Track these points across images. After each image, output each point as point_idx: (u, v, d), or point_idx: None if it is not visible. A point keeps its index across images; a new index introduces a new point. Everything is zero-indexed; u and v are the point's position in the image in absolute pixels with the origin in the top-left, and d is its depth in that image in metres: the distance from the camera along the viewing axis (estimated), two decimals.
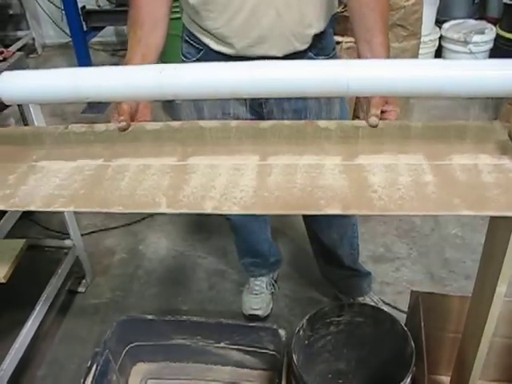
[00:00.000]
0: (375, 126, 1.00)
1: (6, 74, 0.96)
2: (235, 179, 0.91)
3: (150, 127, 1.07)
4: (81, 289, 2.19)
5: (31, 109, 1.67)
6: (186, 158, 0.98)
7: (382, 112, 1.07)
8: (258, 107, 1.41)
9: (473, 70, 0.84)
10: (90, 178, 0.96)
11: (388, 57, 1.19)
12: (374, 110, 1.04)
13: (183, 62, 1.43)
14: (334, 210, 0.83)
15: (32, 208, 0.91)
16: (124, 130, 1.03)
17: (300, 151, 0.97)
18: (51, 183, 0.95)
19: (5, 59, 1.60)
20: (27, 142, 1.08)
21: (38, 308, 1.81)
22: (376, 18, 1.18)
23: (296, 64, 0.89)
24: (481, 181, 0.87)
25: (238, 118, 1.42)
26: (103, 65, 0.99)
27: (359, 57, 1.23)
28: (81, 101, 0.94)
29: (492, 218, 1.03)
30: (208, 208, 0.86)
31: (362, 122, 1.03)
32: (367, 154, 0.96)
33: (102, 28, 4.01)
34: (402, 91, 0.86)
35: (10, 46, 4.05)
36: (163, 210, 0.87)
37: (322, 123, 1.03)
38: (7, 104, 1.01)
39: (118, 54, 4.58)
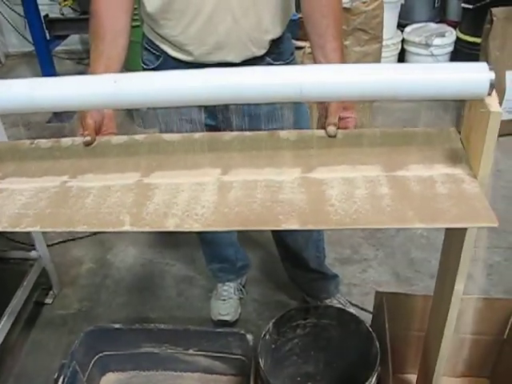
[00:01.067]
0: (334, 136, 1.01)
1: None
2: (197, 195, 0.92)
3: (115, 141, 1.08)
4: (48, 300, 2.17)
5: None
6: (150, 173, 0.99)
7: (340, 119, 1.09)
8: (217, 112, 1.42)
9: (421, 73, 0.86)
10: (56, 195, 0.96)
11: (342, 62, 1.21)
12: (332, 118, 1.05)
13: (143, 69, 1.43)
14: (291, 225, 0.84)
15: None
16: (89, 144, 1.04)
17: (261, 164, 0.98)
18: (17, 202, 0.95)
19: None
20: None
21: (3, 320, 1.79)
22: (328, 24, 1.20)
23: (249, 70, 0.90)
24: (434, 192, 0.89)
25: (199, 123, 1.43)
26: (68, 73, 0.99)
27: (314, 62, 1.25)
28: (36, 111, 0.94)
29: None
30: (170, 226, 0.87)
31: (323, 132, 1.05)
32: (327, 165, 0.97)
33: (66, 36, 3.96)
34: (354, 95, 0.88)
35: None
36: (127, 228, 0.87)
37: (283, 134, 1.05)
38: None
39: (84, 62, 4.54)
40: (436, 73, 0.86)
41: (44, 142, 1.12)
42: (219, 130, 1.43)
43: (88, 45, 4.56)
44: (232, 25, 1.25)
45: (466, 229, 0.95)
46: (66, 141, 1.11)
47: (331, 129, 1.02)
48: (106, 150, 1.06)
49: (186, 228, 0.86)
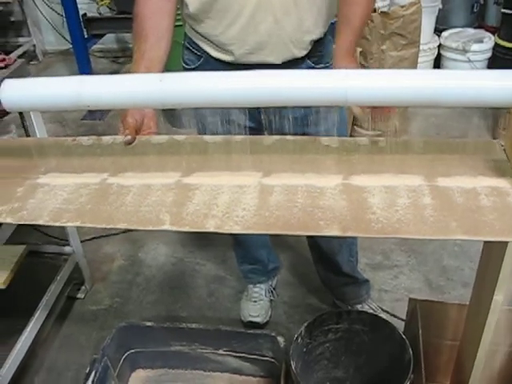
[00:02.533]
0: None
1: (7, 81, 0.96)
2: (237, 197, 0.92)
3: (155, 141, 1.09)
4: (80, 295, 2.20)
5: (32, 116, 1.68)
6: (190, 174, 0.99)
7: None
8: (258, 115, 1.43)
9: (471, 80, 0.85)
10: (96, 192, 0.97)
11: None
12: None
13: (184, 68, 1.44)
14: (333, 231, 0.84)
15: (40, 222, 0.92)
16: (129, 143, 1.04)
17: (302, 169, 0.98)
18: (58, 197, 0.96)
19: (6, 66, 1.61)
20: (36, 155, 1.10)
21: (36, 314, 1.82)
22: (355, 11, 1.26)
23: (296, 74, 0.90)
24: (478, 204, 0.87)
25: (238, 126, 1.44)
26: (104, 72, 1.00)
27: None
28: (81, 108, 0.95)
29: None
30: (210, 227, 0.87)
31: (364, 140, 1.04)
32: (368, 173, 0.96)
33: (103, 35, 4.03)
34: (400, 101, 0.87)
35: (11, 52, 4.06)
36: (167, 227, 0.88)
37: (325, 140, 1.04)
38: (9, 112, 1.02)
39: (119, 60, 4.60)
40: (485, 79, 0.85)
41: (85, 140, 1.14)
42: (259, 132, 1.43)
43: (124, 44, 4.63)
44: (273, 25, 1.25)
45: (507, 242, 0.94)
46: (106, 139, 1.13)
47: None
48: (146, 149, 1.07)
49: (226, 230, 0.86)
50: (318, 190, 0.93)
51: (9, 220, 0.93)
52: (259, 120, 1.43)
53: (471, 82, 0.85)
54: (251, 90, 0.88)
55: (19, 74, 1.63)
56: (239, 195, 0.93)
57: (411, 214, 0.86)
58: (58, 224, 0.92)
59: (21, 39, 4.62)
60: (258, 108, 1.40)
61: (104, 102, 0.93)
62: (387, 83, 0.87)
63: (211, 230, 0.87)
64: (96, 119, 3.55)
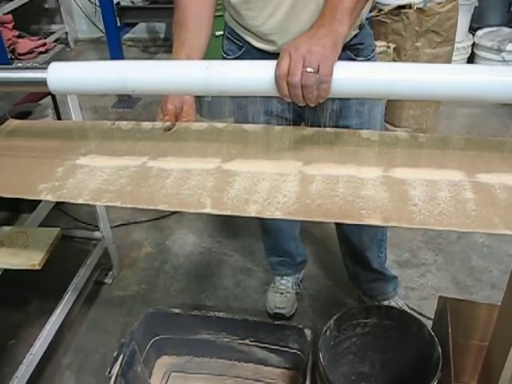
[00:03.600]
0: None
1: (54, 64, 0.98)
2: (278, 184, 0.93)
3: (194, 127, 1.10)
4: (107, 280, 2.22)
5: (69, 100, 1.69)
6: (230, 161, 1.00)
7: None
8: (298, 106, 1.42)
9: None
10: (136, 174, 0.98)
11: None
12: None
13: (224, 58, 1.44)
14: (374, 221, 0.85)
15: (80, 201, 0.93)
16: (169, 129, 1.05)
17: (342, 160, 0.99)
18: (98, 178, 0.98)
19: (47, 51, 1.63)
20: (75, 136, 1.12)
21: (66, 297, 1.84)
22: None
23: (342, 64, 0.90)
24: None
25: (276, 116, 1.44)
26: None
27: None
28: (127, 92, 0.97)
29: None
30: (252, 211, 0.88)
31: (404, 135, 1.04)
32: (408, 166, 0.97)
33: (135, 24, 4.06)
34: (448, 96, 0.87)
35: (44, 39, 4.11)
36: (208, 210, 0.89)
37: (364, 133, 1.05)
38: (53, 94, 1.04)
39: (149, 50, 4.63)
40: None
41: (125, 124, 1.15)
42: (297, 124, 1.43)
43: (154, 33, 4.66)
44: (316, 12, 1.23)
45: None
46: (146, 124, 1.14)
47: None
48: (186, 135, 1.08)
49: (267, 215, 0.87)
50: (359, 180, 0.93)
51: (49, 197, 0.96)
52: (298, 111, 1.43)
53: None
54: None
55: (58, 59, 1.64)
56: (280, 183, 0.94)
57: (453, 207, 0.86)
58: (98, 203, 0.94)
59: (53, 26, 4.69)
60: None
61: (149, 87, 0.95)
62: (433, 77, 0.87)
63: (252, 214, 0.88)
64: (126, 107, 3.57)
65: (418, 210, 0.86)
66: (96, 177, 0.99)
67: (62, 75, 0.97)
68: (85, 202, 0.94)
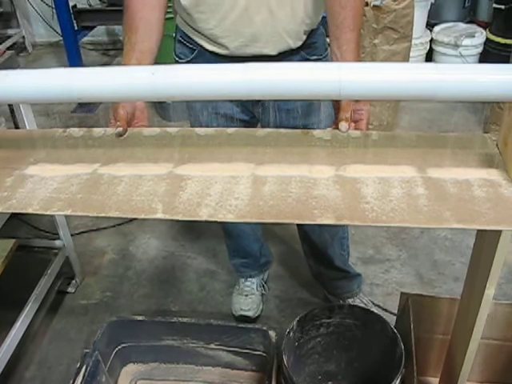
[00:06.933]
0: (345, 132, 1.00)
1: None
2: (230, 187, 0.92)
3: (147, 133, 1.08)
4: (70, 289, 2.18)
5: (22, 108, 1.66)
6: (183, 165, 0.99)
7: (354, 112, 1.08)
8: (251, 107, 1.42)
9: (466, 75, 0.85)
10: (87, 182, 0.96)
11: (356, 53, 1.18)
12: (343, 113, 1.04)
13: (176, 62, 1.42)
14: (327, 220, 0.84)
15: (30, 211, 0.91)
16: (121, 135, 1.04)
17: (295, 161, 0.98)
18: (48, 187, 0.96)
19: None
20: (25, 145, 1.09)
21: (27, 308, 1.80)
22: (346, 15, 1.17)
23: (289, 66, 0.89)
24: (471, 195, 0.88)
25: (231, 118, 1.43)
26: (94, 64, 0.99)
27: (330, 54, 1.23)
28: (73, 101, 0.94)
29: None
30: (203, 215, 0.87)
31: (357, 133, 1.05)
32: (361, 164, 0.97)
33: (93, 27, 3.99)
34: (395, 95, 0.87)
35: (0, 44, 4.03)
36: (159, 216, 0.87)
37: (317, 133, 1.04)
38: None
39: (109, 53, 4.57)
40: (480, 73, 0.84)
41: (76, 131, 1.13)
42: (252, 125, 1.42)
43: (114, 36, 4.61)
44: (268, 16, 1.24)
45: (500, 233, 0.95)
46: (98, 130, 1.12)
47: (343, 125, 1.01)
48: (137, 140, 1.07)
49: (219, 218, 0.86)
50: (312, 180, 0.93)
51: None
52: (252, 113, 1.42)
53: (465, 75, 0.85)
54: (245, 82, 0.87)
55: (9, 65, 1.61)
56: (232, 185, 0.93)
57: (405, 204, 0.87)
58: (48, 212, 0.92)
59: (10, 31, 4.58)
60: (251, 101, 1.39)
61: (95, 95, 0.92)
62: (381, 76, 0.86)
63: (204, 218, 0.87)
64: (86, 112, 3.52)
65: (371, 208, 0.86)
66: (46, 186, 0.97)
67: (4, 84, 0.94)
68: (34, 212, 0.92)
